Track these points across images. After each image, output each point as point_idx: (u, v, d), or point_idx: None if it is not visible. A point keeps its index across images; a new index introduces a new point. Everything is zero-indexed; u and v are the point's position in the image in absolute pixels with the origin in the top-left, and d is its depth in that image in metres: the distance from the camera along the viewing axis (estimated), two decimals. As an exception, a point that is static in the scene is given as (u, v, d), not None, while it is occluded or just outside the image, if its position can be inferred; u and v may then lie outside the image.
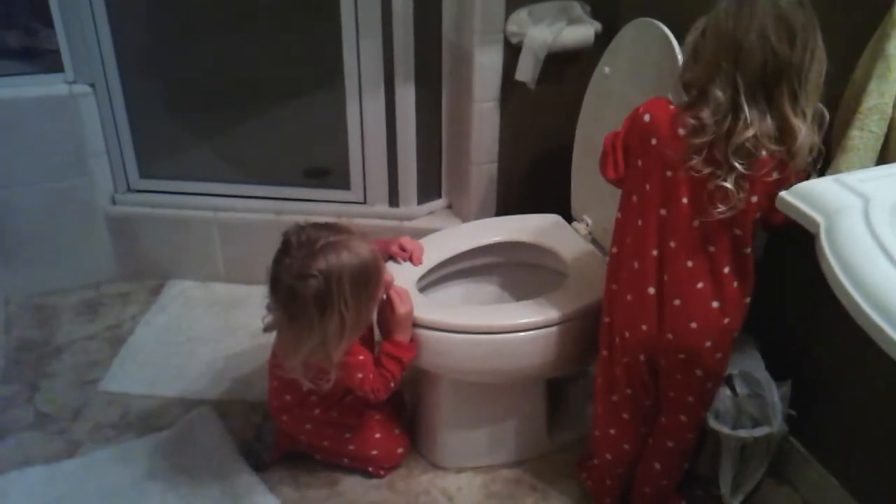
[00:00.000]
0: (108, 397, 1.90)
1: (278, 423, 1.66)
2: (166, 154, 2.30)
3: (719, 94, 1.16)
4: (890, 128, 1.16)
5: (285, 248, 1.41)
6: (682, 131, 1.21)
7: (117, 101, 2.14)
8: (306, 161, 2.36)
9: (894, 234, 0.84)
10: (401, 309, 1.47)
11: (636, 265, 1.32)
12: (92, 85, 2.09)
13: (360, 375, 1.49)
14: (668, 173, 1.25)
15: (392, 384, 1.52)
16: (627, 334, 1.36)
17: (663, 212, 1.27)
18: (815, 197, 0.94)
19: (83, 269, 2.27)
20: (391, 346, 1.50)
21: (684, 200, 1.24)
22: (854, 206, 0.90)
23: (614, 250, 1.39)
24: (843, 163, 1.18)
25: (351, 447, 1.64)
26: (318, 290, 1.36)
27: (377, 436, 1.65)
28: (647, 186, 1.28)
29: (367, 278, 1.41)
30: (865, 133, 1.17)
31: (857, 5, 1.30)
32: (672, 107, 1.26)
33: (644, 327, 1.33)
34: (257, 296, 2.22)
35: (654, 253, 1.29)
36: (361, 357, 1.50)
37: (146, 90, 2.21)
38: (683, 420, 1.41)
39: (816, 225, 0.90)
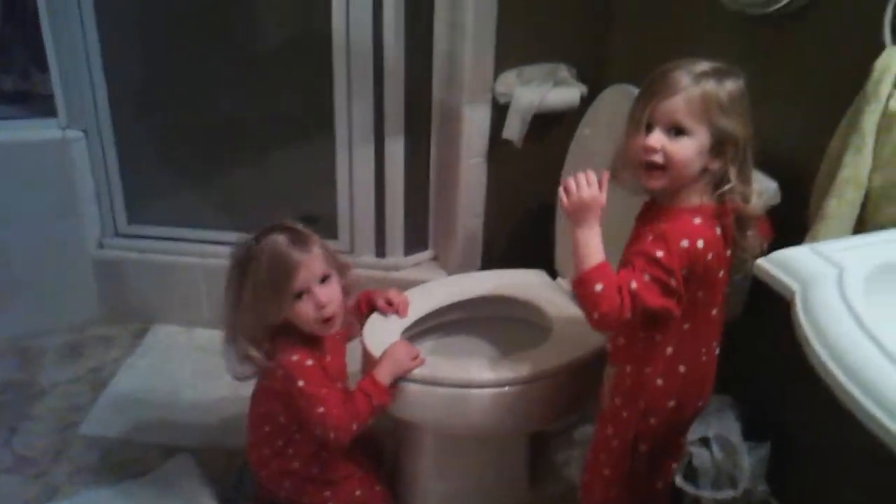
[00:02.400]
0: (88, 441, 1.89)
1: (258, 478, 1.65)
2: (155, 199, 2.33)
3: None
4: (865, 198, 1.20)
5: None
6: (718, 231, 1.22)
7: (109, 147, 2.17)
8: (294, 209, 2.38)
9: (868, 304, 0.87)
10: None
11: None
12: (84, 131, 2.12)
13: (321, 410, 1.43)
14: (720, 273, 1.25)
15: (355, 426, 1.45)
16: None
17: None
18: (791, 265, 0.97)
19: (68, 312, 2.27)
20: (368, 382, 1.47)
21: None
22: (829, 274, 0.93)
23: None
24: (820, 231, 1.22)
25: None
26: (242, 257, 1.45)
27: (358, 493, 1.62)
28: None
29: (278, 272, 1.42)
30: (842, 202, 1.21)
31: (833, 78, 1.36)
32: (697, 220, 1.20)
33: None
34: (241, 343, 2.24)
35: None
36: (324, 390, 1.45)
37: (138, 136, 2.23)
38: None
39: (792, 292, 0.93)
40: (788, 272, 0.96)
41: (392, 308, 1.67)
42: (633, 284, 1.16)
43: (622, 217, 1.31)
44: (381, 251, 2.23)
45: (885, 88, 1.16)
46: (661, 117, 1.18)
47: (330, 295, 1.46)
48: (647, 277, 1.17)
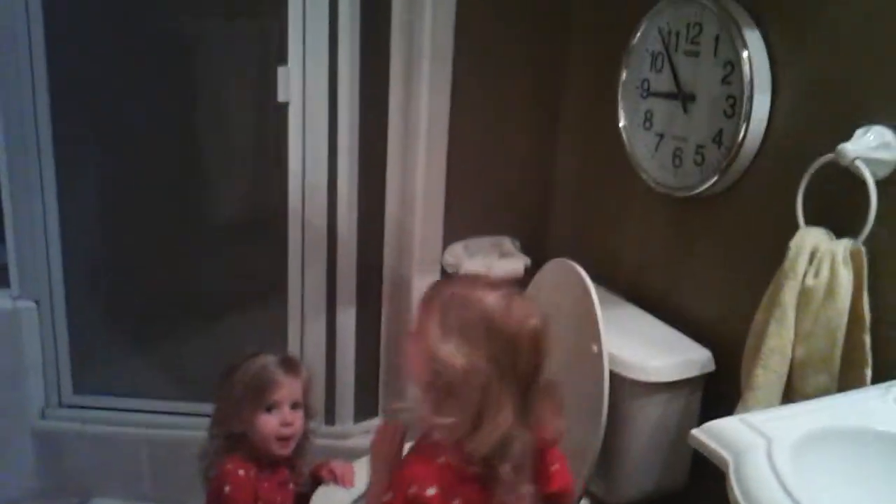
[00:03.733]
0: None
1: None
2: (102, 369, 2.30)
3: None
4: (790, 368, 1.27)
5: None
6: None
7: (59, 317, 2.17)
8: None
9: (795, 473, 0.91)
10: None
11: None
12: (37, 301, 2.12)
13: None
14: None
15: None
16: None
17: None
18: (723, 435, 1.01)
19: (2, 485, 2.17)
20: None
21: None
22: (758, 445, 0.97)
23: None
24: (750, 400, 1.27)
25: None
26: (234, 364, 1.58)
27: None
28: None
29: (260, 380, 1.54)
30: (768, 372, 1.27)
31: (757, 252, 1.45)
32: None
33: None
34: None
35: None
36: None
37: (89, 306, 2.24)
38: None
39: (726, 463, 0.97)
40: (721, 443, 1.00)
41: (332, 476, 1.65)
42: None
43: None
44: (330, 419, 2.21)
45: (801, 266, 1.25)
46: None
47: (295, 418, 1.56)
48: None
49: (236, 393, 1.54)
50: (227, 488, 1.48)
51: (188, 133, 2.21)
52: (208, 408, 2.21)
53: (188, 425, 2.20)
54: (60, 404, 2.23)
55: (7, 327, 2.09)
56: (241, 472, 1.51)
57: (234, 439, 1.54)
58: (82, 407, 2.23)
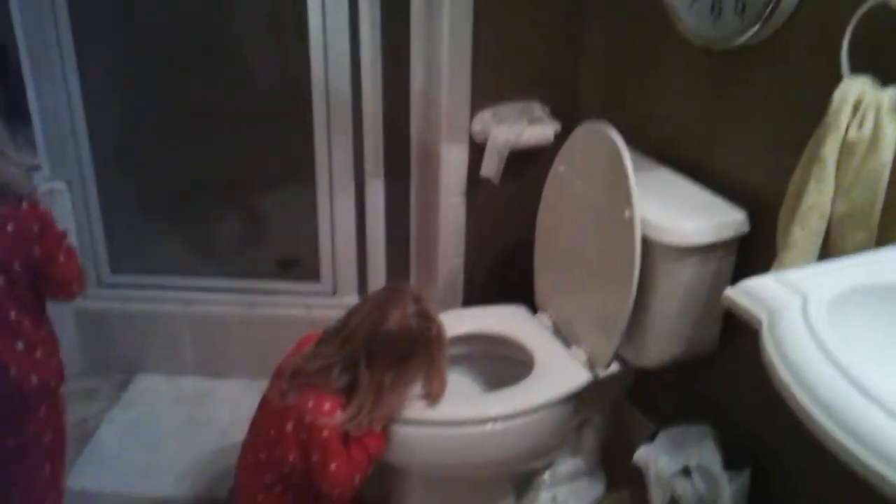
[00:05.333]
0: (73, 495, 1.85)
1: None
2: (138, 248, 2.33)
3: None
4: (829, 225, 1.22)
5: None
6: None
7: (92, 197, 2.19)
8: (277, 253, 2.40)
9: (831, 330, 0.88)
10: None
11: None
12: (68, 182, 2.13)
13: (333, 465, 1.44)
14: None
15: (357, 479, 1.47)
16: None
17: None
18: (757, 294, 0.98)
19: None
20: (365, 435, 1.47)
21: None
22: (793, 303, 0.94)
23: None
24: (786, 259, 1.24)
25: None
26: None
27: None
28: None
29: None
30: (806, 230, 1.23)
31: (797, 108, 1.39)
32: None
33: None
34: (224, 390, 2.25)
35: None
36: (342, 448, 1.46)
37: (120, 186, 2.25)
38: None
39: (759, 322, 0.94)
40: (755, 301, 0.98)
41: None
42: None
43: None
44: (363, 291, 2.23)
45: (844, 117, 1.18)
46: None
47: None
48: None
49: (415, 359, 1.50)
50: (325, 433, 1.44)
51: (211, 7, 2.14)
52: (242, 282, 2.26)
53: (226, 301, 2.24)
54: (100, 284, 2.27)
55: (40, 210, 2.11)
56: (338, 413, 1.46)
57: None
58: (122, 286, 2.28)
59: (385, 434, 1.50)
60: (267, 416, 1.55)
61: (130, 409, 2.18)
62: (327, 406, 1.45)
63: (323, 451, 1.44)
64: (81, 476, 1.93)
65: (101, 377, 2.29)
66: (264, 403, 1.57)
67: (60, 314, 2.20)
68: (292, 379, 1.49)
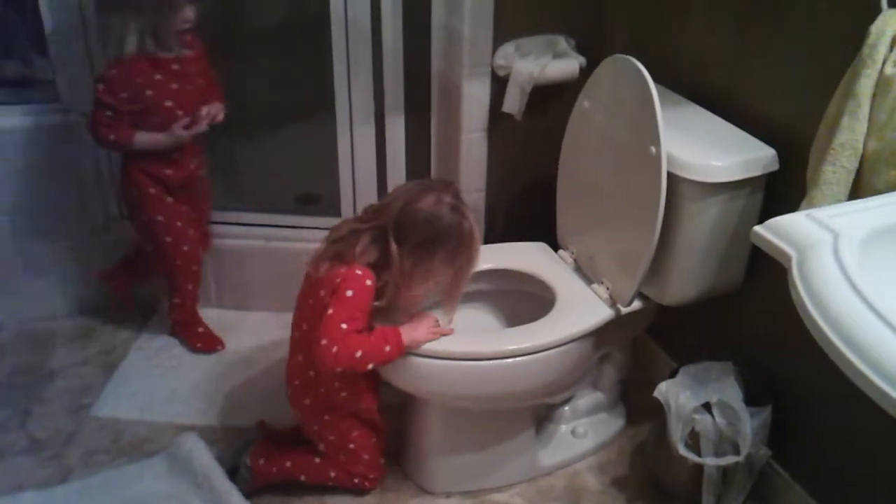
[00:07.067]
0: (99, 423, 1.92)
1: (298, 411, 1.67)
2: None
3: None
4: (861, 163, 1.21)
5: None
6: None
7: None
8: (297, 188, 2.40)
9: (862, 269, 0.88)
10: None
11: None
12: (85, 114, 2.12)
13: (343, 326, 1.45)
14: None
15: (359, 354, 1.45)
16: None
17: None
18: (787, 231, 0.98)
19: (77, 296, 2.29)
20: (393, 332, 1.48)
21: None
22: (824, 240, 0.94)
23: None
24: (816, 197, 1.23)
25: (352, 446, 1.65)
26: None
27: (365, 457, 1.68)
28: None
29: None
30: (837, 168, 1.21)
31: (831, 43, 1.35)
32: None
33: None
34: (248, 321, 2.28)
35: None
36: (360, 314, 1.48)
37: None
38: None
39: (788, 259, 0.94)
40: (785, 239, 0.97)
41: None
42: None
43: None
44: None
45: (881, 52, 1.16)
46: None
47: None
48: None
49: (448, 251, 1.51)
50: (348, 293, 1.47)
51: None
52: (262, 217, 2.27)
53: (246, 234, 2.25)
54: (122, 216, 2.28)
55: (61, 141, 2.11)
56: (369, 282, 1.48)
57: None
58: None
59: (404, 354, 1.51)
60: (306, 289, 1.61)
61: (156, 339, 2.21)
62: (359, 272, 1.48)
63: (339, 307, 1.46)
64: (108, 403, 1.98)
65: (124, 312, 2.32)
66: (306, 277, 1.61)
67: (86, 244, 2.23)
68: (327, 244, 1.55)
